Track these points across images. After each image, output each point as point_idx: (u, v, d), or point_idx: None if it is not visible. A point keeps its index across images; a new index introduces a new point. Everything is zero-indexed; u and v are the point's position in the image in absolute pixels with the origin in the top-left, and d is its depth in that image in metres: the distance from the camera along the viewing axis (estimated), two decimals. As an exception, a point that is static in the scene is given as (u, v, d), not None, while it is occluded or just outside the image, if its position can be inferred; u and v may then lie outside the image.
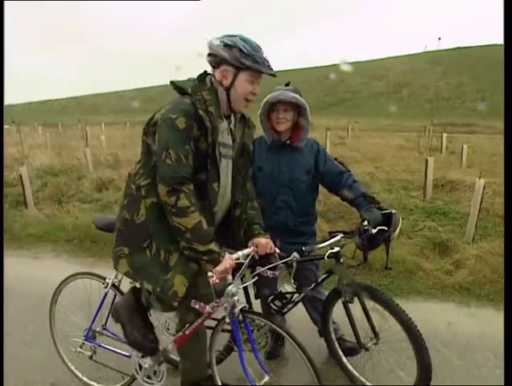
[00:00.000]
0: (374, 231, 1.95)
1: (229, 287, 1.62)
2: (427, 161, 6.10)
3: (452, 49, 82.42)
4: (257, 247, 1.85)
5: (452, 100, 59.60)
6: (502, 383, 1.48)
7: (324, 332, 2.39)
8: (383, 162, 9.30)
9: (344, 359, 2.35)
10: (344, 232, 2.07)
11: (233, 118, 1.82)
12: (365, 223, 1.97)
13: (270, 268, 1.85)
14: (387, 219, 2.00)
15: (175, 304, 1.66)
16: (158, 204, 1.65)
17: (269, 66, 1.68)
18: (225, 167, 1.78)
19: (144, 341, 1.87)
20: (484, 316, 3.11)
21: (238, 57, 1.62)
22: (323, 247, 2.05)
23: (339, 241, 2.05)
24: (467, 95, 59.81)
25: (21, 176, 5.94)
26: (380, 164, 9.08)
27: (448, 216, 5.13)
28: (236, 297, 1.71)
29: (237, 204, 1.87)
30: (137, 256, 1.73)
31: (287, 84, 2.27)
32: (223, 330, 1.99)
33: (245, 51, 1.62)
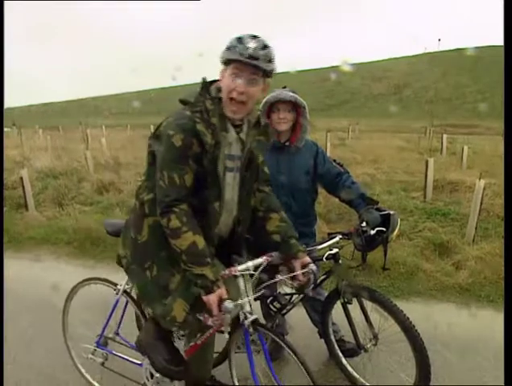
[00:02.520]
0: (373, 232, 1.95)
1: (225, 303, 1.51)
2: (427, 162, 6.10)
3: (451, 50, 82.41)
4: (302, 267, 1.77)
5: (452, 101, 59.65)
6: (502, 384, 1.47)
7: (323, 333, 2.39)
8: (383, 164, 9.31)
9: (344, 361, 2.35)
10: (343, 234, 2.08)
11: (245, 126, 1.67)
12: (364, 224, 1.98)
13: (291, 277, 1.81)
14: (386, 221, 2.00)
15: (174, 329, 1.63)
16: (160, 223, 1.55)
17: (253, 56, 1.45)
18: (232, 181, 1.67)
19: (170, 366, 1.80)
20: (484, 317, 3.11)
21: (223, 52, 1.51)
22: (322, 248, 2.06)
23: (337, 242, 2.06)
24: (466, 96, 59.85)
25: (21, 179, 5.95)
26: (380, 165, 9.09)
27: (448, 217, 5.13)
28: (248, 309, 1.68)
29: (239, 221, 1.74)
30: (140, 277, 1.69)
31: (284, 87, 2.28)
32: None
33: (229, 45, 1.49)
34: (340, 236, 2.07)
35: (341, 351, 2.38)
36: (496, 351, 2.52)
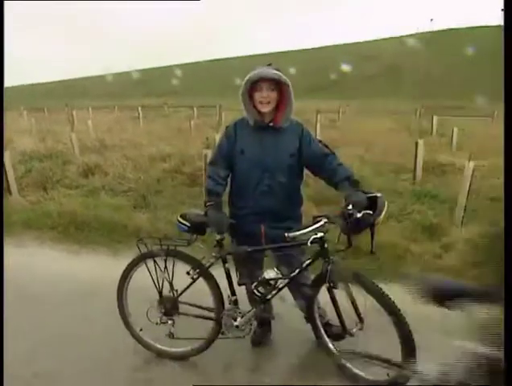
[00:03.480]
0: (359, 215, 1.88)
1: None
2: (417, 143, 6.05)
3: (443, 30, 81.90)
4: None
5: (444, 82, 59.52)
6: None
7: (309, 318, 2.36)
8: (373, 145, 9.24)
9: (331, 345, 2.32)
10: (329, 217, 2.01)
11: None
12: (350, 207, 1.91)
13: None
14: (372, 203, 1.94)
15: None
16: None
17: None
18: None
19: None
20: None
21: None
22: (307, 232, 1.99)
23: (323, 226, 1.99)
24: (458, 77, 59.74)
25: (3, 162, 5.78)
26: (370, 147, 9.02)
27: (437, 199, 5.11)
28: None
29: None
30: None
31: (269, 65, 2.17)
32: None
33: None
34: (326, 220, 2.00)
35: (328, 336, 2.35)
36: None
